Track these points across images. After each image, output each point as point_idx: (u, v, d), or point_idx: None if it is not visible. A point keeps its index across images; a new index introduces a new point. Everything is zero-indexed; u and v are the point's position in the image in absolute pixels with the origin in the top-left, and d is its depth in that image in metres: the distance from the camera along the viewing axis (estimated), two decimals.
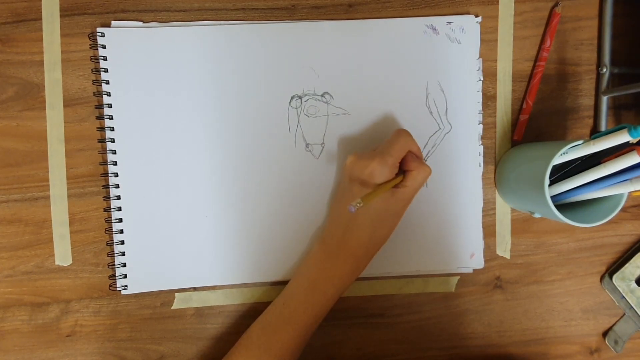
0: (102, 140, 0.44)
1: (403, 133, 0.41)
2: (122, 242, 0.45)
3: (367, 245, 0.41)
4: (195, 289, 0.46)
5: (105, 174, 0.45)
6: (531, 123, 0.48)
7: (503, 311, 0.49)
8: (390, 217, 0.41)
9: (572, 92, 0.48)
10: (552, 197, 0.39)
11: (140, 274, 0.45)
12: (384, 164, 0.39)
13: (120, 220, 0.45)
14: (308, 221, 0.46)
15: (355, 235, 0.40)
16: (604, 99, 0.47)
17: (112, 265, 0.45)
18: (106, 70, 0.44)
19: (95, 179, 0.45)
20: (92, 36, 0.44)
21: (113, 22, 0.44)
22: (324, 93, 0.46)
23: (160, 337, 0.46)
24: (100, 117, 0.44)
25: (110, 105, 0.44)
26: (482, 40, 0.47)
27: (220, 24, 0.45)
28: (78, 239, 0.45)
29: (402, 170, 0.41)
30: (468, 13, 0.47)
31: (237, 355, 0.41)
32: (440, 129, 0.47)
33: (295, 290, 0.42)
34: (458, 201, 0.47)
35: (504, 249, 0.48)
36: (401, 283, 0.48)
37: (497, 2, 0.47)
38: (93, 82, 0.45)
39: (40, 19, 0.44)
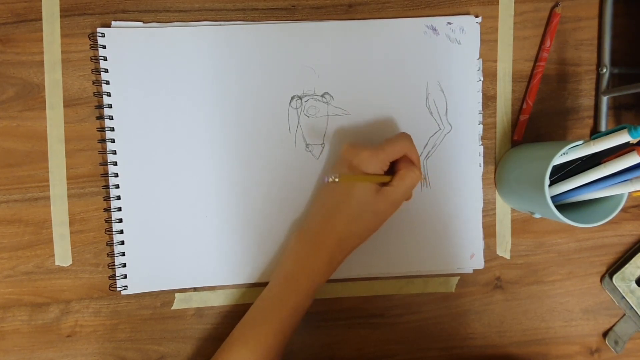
0: (102, 141, 0.44)
1: (404, 136, 0.41)
2: (122, 242, 0.45)
3: (342, 237, 0.40)
4: (195, 289, 0.46)
5: (106, 174, 0.45)
6: (531, 123, 0.48)
7: (503, 311, 0.49)
8: (371, 215, 0.40)
9: (572, 92, 0.48)
10: (552, 198, 0.39)
11: (140, 274, 0.45)
12: (374, 156, 0.39)
13: (120, 220, 0.45)
14: None
15: (332, 226, 0.40)
16: (604, 99, 0.47)
17: (112, 266, 0.45)
18: (106, 71, 0.44)
19: (95, 179, 0.45)
20: (92, 36, 0.44)
21: (113, 23, 0.44)
22: (324, 93, 0.46)
23: (161, 337, 0.46)
24: (101, 117, 0.44)
25: (110, 106, 0.44)
26: (482, 41, 0.47)
27: (220, 24, 0.45)
28: (78, 239, 0.45)
29: (394, 172, 0.41)
30: (468, 13, 0.47)
31: (222, 353, 0.41)
32: (440, 129, 0.47)
33: (272, 284, 0.42)
34: (458, 201, 0.47)
35: (504, 249, 0.48)
36: (401, 283, 0.48)
37: (497, 2, 0.47)
38: (93, 82, 0.45)
39: (41, 19, 0.44)
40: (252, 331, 0.40)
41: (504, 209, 0.48)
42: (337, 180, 0.34)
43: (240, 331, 0.41)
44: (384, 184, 0.40)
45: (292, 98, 0.45)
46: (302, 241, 0.42)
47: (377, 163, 0.40)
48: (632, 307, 0.48)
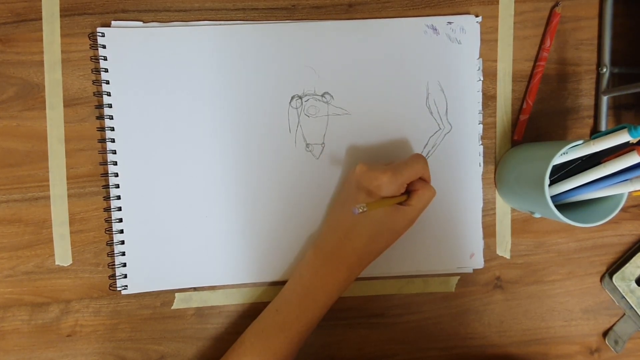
0: (102, 140, 0.44)
1: (421, 160, 0.41)
2: (122, 242, 0.45)
3: (362, 255, 0.41)
4: (195, 289, 0.46)
5: (105, 174, 0.45)
6: (531, 123, 0.48)
7: (503, 311, 0.49)
8: (389, 233, 0.41)
9: (572, 92, 0.48)
10: (552, 197, 0.39)
11: (140, 273, 0.45)
12: (393, 180, 0.39)
13: (120, 220, 0.45)
14: (308, 221, 0.46)
15: (352, 244, 0.40)
16: (604, 99, 0.47)
17: (112, 265, 0.45)
18: (106, 70, 0.44)
19: (95, 179, 0.45)
20: (92, 36, 0.44)
21: (113, 22, 0.44)
22: (324, 93, 0.46)
23: (161, 337, 0.46)
24: (101, 117, 0.44)
25: (110, 105, 0.44)
26: (482, 40, 0.47)
27: (220, 24, 0.45)
28: (78, 239, 0.45)
29: (408, 191, 0.42)
30: (468, 13, 0.47)
31: None
32: (440, 129, 0.47)
33: (289, 297, 0.42)
34: (458, 201, 0.47)
35: (504, 249, 0.48)
36: (401, 283, 0.48)
37: (497, 2, 0.47)
38: (93, 82, 0.45)
39: (41, 19, 0.44)
40: (267, 342, 0.40)
41: (504, 209, 0.48)
42: (365, 210, 0.35)
43: (252, 340, 0.41)
44: (400, 202, 0.41)
45: (292, 98, 0.45)
46: (320, 257, 0.42)
47: (396, 187, 0.40)
48: (632, 307, 0.48)
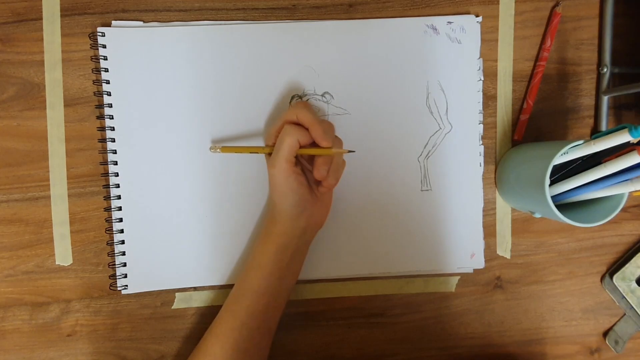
0: (103, 140, 0.45)
1: (295, 105, 0.40)
2: (123, 242, 0.45)
3: (279, 211, 0.41)
4: (195, 288, 0.46)
5: (106, 174, 0.45)
6: (531, 123, 0.48)
7: (503, 311, 0.49)
8: (270, 184, 0.42)
9: (573, 92, 0.48)
10: (553, 197, 0.39)
11: (140, 273, 0.45)
12: (268, 130, 0.43)
13: (121, 220, 0.45)
14: None
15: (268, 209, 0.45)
16: (605, 99, 0.47)
17: (112, 265, 0.45)
18: (106, 70, 0.44)
19: (95, 179, 0.45)
20: (93, 36, 0.44)
21: (113, 22, 0.44)
22: (324, 93, 0.46)
23: (161, 336, 0.46)
24: (101, 116, 0.44)
25: (110, 105, 0.44)
26: (482, 40, 0.47)
27: (220, 24, 0.45)
28: (78, 238, 0.45)
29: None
30: (468, 13, 0.47)
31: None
32: (440, 128, 0.47)
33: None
34: (458, 201, 0.47)
35: (504, 249, 0.48)
36: (401, 283, 0.48)
37: (498, 2, 0.47)
38: (93, 82, 0.45)
39: (41, 18, 0.44)
40: (238, 304, 0.41)
41: (504, 209, 0.48)
42: (219, 151, 0.43)
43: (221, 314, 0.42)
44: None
45: (293, 97, 0.45)
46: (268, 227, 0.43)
47: (269, 135, 0.42)
48: (632, 307, 0.48)
